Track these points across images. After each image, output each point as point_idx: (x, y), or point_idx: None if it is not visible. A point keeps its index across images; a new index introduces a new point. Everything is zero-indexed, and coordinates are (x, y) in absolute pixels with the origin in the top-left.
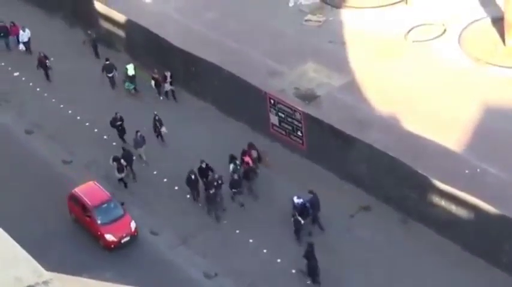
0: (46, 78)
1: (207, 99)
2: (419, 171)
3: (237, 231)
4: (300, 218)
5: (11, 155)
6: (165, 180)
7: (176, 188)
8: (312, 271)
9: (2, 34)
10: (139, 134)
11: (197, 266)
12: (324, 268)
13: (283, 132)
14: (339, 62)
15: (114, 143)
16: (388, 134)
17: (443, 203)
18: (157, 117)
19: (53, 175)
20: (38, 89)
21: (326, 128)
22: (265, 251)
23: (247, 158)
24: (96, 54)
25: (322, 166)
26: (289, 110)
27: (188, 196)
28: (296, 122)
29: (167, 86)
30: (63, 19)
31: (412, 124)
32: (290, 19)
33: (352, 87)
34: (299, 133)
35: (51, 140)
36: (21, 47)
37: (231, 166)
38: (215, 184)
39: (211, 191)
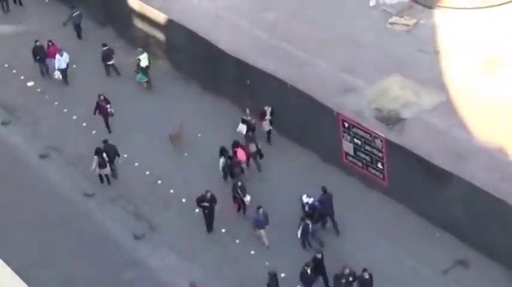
0: (106, 128)
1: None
2: None
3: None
4: (308, 221)
5: (21, 185)
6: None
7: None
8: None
9: (38, 57)
10: (261, 212)
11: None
12: None
13: (360, 164)
14: (431, 76)
15: (147, 172)
16: (492, 169)
17: None
18: (240, 184)
19: (72, 211)
20: (56, 103)
21: (413, 160)
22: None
23: (240, 152)
24: (79, 36)
25: (408, 207)
26: (367, 136)
27: None
28: (376, 151)
29: (266, 125)
30: (91, 17)
31: None
32: (370, 22)
33: (447, 108)
34: (379, 165)
35: (70, 167)
36: (57, 74)
37: (221, 161)
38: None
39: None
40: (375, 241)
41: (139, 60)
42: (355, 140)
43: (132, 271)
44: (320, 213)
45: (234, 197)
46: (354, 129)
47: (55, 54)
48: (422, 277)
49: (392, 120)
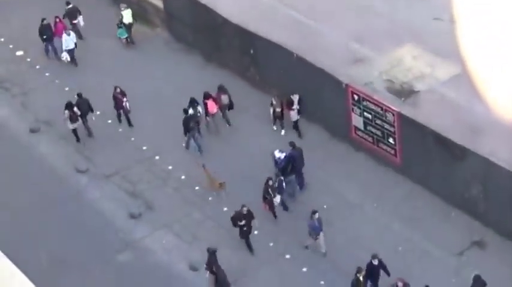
0: (128, 124)
1: (268, 91)
2: None
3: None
4: (282, 178)
5: (11, 161)
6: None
7: None
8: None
9: (45, 36)
10: (316, 217)
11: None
12: None
13: (370, 139)
14: (447, 46)
15: (144, 148)
16: (511, 144)
17: None
18: (271, 183)
19: (64, 188)
20: (47, 74)
21: (427, 135)
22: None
23: (210, 103)
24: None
25: (422, 185)
26: (378, 110)
27: None
28: (387, 126)
29: (294, 115)
30: None
31: None
32: None
33: (463, 80)
34: (391, 141)
35: (62, 142)
36: (65, 56)
37: (190, 111)
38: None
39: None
40: (387, 221)
41: (122, 16)
42: (365, 113)
43: (128, 252)
44: (293, 166)
45: (265, 198)
46: (364, 102)
47: (62, 32)
48: (436, 258)
49: (405, 92)
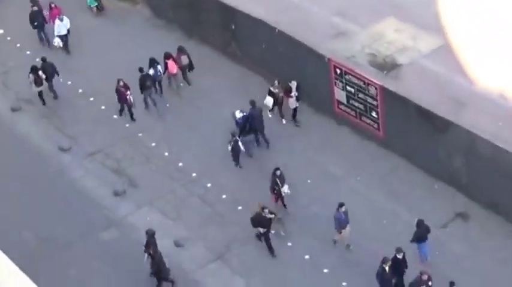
0: (131, 118)
1: (250, 66)
2: None
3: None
4: (238, 138)
5: None
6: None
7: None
8: None
9: (35, 23)
10: (343, 209)
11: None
12: None
13: (353, 113)
14: (428, 19)
15: (127, 125)
16: (494, 116)
17: None
18: (278, 173)
19: (47, 167)
20: (28, 53)
21: (410, 108)
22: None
23: (171, 63)
24: None
25: (405, 158)
26: (361, 84)
27: None
28: (370, 100)
29: (292, 102)
30: None
31: None
32: None
33: (445, 53)
34: (374, 114)
35: (44, 120)
36: (57, 41)
37: (151, 71)
38: None
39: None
40: (370, 194)
41: None
42: (348, 87)
43: (112, 230)
44: (251, 126)
45: (273, 189)
46: (347, 76)
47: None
48: None
49: (387, 66)
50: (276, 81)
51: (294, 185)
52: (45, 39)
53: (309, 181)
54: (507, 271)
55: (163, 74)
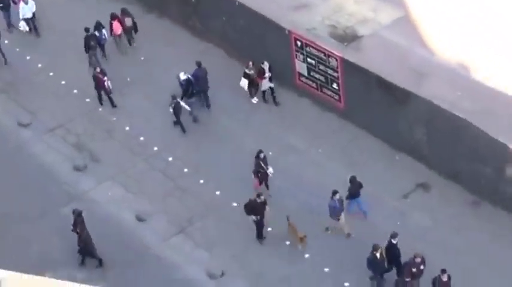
0: (111, 105)
1: (211, 39)
2: (498, 138)
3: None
4: (179, 100)
5: None
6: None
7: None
8: None
9: (1, 5)
10: (337, 197)
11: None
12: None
13: (314, 85)
14: None
15: (88, 100)
16: (454, 87)
17: None
18: (262, 156)
19: (7, 143)
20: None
21: (371, 80)
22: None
23: (116, 24)
24: None
25: (366, 129)
26: (321, 55)
27: None
28: (331, 71)
29: (265, 84)
30: None
31: (488, 74)
32: None
33: (406, 24)
34: (335, 86)
35: (3, 95)
36: (23, 25)
37: (97, 33)
38: None
39: None
40: (332, 166)
41: None
42: (309, 59)
43: (74, 205)
44: (194, 88)
45: (257, 173)
46: (308, 48)
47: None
48: (382, 201)
49: (348, 37)
50: (251, 63)
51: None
52: (10, 23)
53: (270, 153)
54: (466, 238)
55: (110, 35)
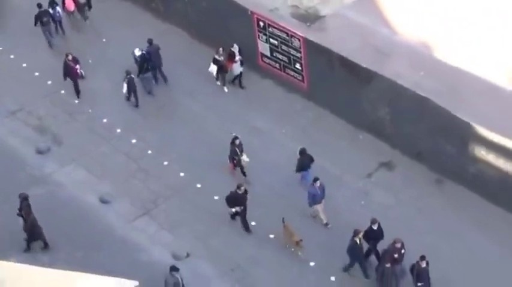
0: (75, 92)
1: (173, 21)
2: (460, 116)
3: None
4: (132, 76)
5: None
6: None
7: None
8: None
9: None
10: (318, 184)
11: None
12: (330, 240)
13: (277, 66)
14: None
15: (49, 82)
16: (417, 67)
17: (490, 157)
18: (238, 142)
19: None
20: None
21: (334, 60)
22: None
23: (68, 0)
24: None
25: (329, 109)
26: (284, 36)
27: None
28: (294, 52)
29: (237, 68)
30: None
31: (451, 54)
32: None
33: (369, 3)
34: (298, 66)
35: None
36: None
37: (50, 11)
38: None
39: None
40: (296, 146)
41: None
42: (272, 40)
43: (36, 188)
44: (149, 64)
45: (233, 158)
46: (270, 29)
47: None
48: (346, 181)
49: (310, 17)
50: (221, 49)
51: (220, 139)
52: None
53: (233, 134)
54: (430, 216)
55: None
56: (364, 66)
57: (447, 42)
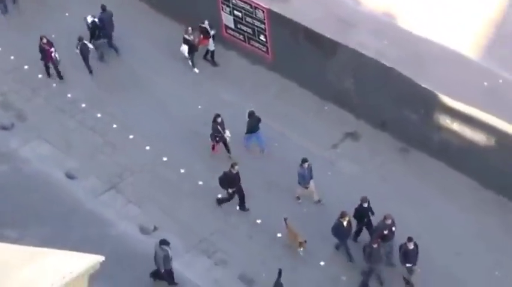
0: (59, 77)
1: None
2: (423, 85)
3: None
4: (87, 43)
5: None
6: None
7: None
8: None
9: None
10: (306, 166)
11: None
12: (301, 212)
13: (241, 37)
14: None
15: (12, 57)
16: (380, 36)
17: (454, 126)
18: (219, 120)
19: None
20: None
21: (298, 31)
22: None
23: None
24: None
25: (294, 80)
26: (248, 7)
27: None
28: (258, 23)
29: (211, 44)
30: None
31: (413, 23)
32: None
33: None
34: (262, 38)
35: None
36: None
37: None
38: None
39: None
40: (262, 118)
41: None
42: (235, 11)
43: (2, 164)
44: (100, 30)
45: (215, 137)
46: (234, 0)
47: None
48: (312, 152)
49: None
50: (190, 28)
51: (185, 113)
52: None
53: (199, 107)
54: (395, 185)
55: None
56: (328, 36)
57: (411, 11)
